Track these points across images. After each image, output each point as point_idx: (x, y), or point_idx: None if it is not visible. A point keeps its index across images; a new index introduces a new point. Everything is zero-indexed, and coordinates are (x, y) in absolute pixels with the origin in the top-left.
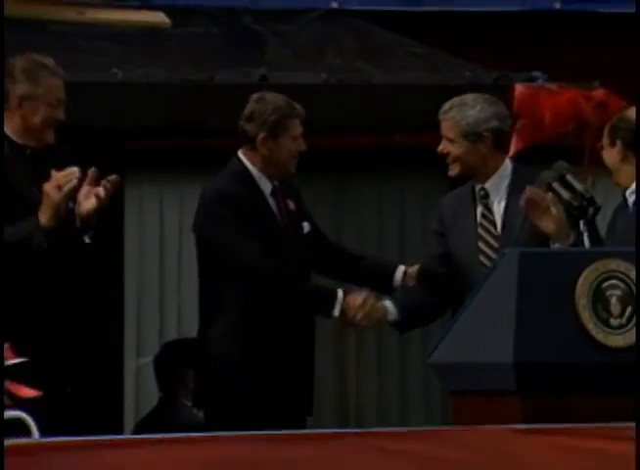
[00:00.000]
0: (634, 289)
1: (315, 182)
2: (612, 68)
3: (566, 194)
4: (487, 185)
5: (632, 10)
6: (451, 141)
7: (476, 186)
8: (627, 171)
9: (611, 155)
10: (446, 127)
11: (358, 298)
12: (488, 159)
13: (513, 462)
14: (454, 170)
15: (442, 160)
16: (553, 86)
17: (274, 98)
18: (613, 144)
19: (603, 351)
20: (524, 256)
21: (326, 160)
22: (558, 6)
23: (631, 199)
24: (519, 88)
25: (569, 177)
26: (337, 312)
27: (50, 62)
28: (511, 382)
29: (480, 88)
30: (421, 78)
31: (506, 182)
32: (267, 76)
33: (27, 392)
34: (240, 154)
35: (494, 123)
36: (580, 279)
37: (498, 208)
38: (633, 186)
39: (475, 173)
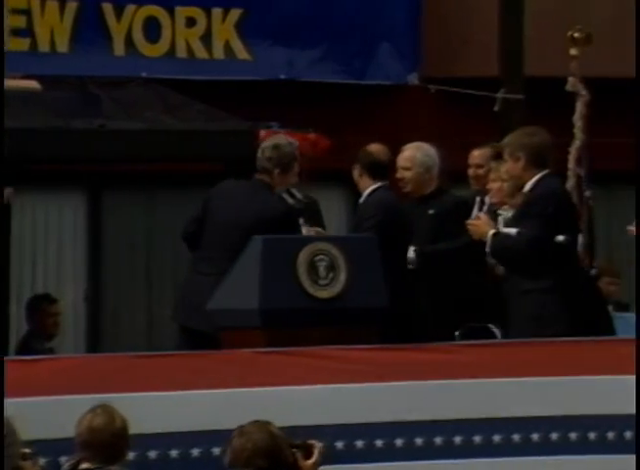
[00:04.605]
0: (335, 261)
1: (130, 196)
2: (320, 119)
3: (290, 200)
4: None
5: (338, 80)
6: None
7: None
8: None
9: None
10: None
11: None
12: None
13: (258, 370)
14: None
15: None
16: (283, 131)
17: (285, 147)
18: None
19: (315, 300)
20: (266, 240)
21: (141, 179)
22: (283, 76)
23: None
24: (262, 132)
25: (292, 190)
26: None
27: None
28: (257, 321)
29: (238, 132)
30: (203, 126)
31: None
32: (105, 124)
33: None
34: (261, 177)
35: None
36: (300, 255)
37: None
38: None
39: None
